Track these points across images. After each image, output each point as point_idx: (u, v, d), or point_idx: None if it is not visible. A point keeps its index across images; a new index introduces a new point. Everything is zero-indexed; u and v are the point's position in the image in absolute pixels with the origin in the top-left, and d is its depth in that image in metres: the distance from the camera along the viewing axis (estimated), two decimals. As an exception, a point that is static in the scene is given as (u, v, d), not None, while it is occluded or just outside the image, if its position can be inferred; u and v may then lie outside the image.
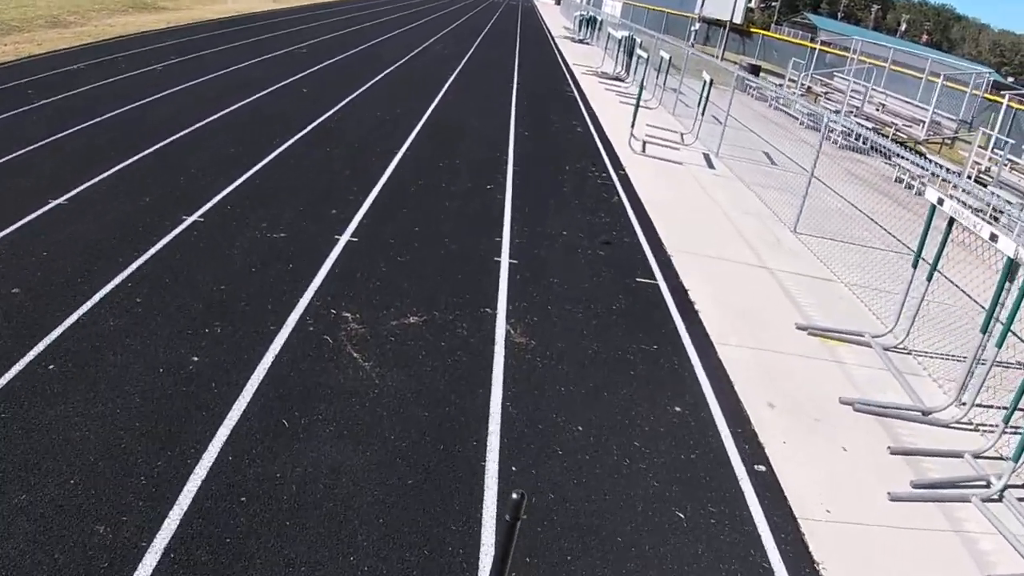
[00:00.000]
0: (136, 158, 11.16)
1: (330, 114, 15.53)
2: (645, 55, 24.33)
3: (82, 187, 9.67)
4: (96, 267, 7.40)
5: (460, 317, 7.40)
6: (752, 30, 62.20)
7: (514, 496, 2.47)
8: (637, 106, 16.30)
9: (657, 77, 24.10)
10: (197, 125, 13.51)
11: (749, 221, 12.36)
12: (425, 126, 15.47)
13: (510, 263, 9.08)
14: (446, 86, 20.76)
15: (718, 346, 7.72)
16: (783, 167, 17.20)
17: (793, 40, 57.24)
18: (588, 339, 7.39)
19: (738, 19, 55.58)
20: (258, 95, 16.59)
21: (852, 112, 27.10)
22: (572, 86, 24.63)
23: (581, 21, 47.85)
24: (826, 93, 32.48)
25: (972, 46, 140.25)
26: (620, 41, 28.91)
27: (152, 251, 7.97)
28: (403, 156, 13.03)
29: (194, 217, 9.12)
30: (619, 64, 29.37)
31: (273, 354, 6.21)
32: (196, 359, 5.99)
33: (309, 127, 14.16)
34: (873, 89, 28.96)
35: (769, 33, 62.70)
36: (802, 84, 36.19)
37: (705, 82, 17.93)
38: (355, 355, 6.37)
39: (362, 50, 26.49)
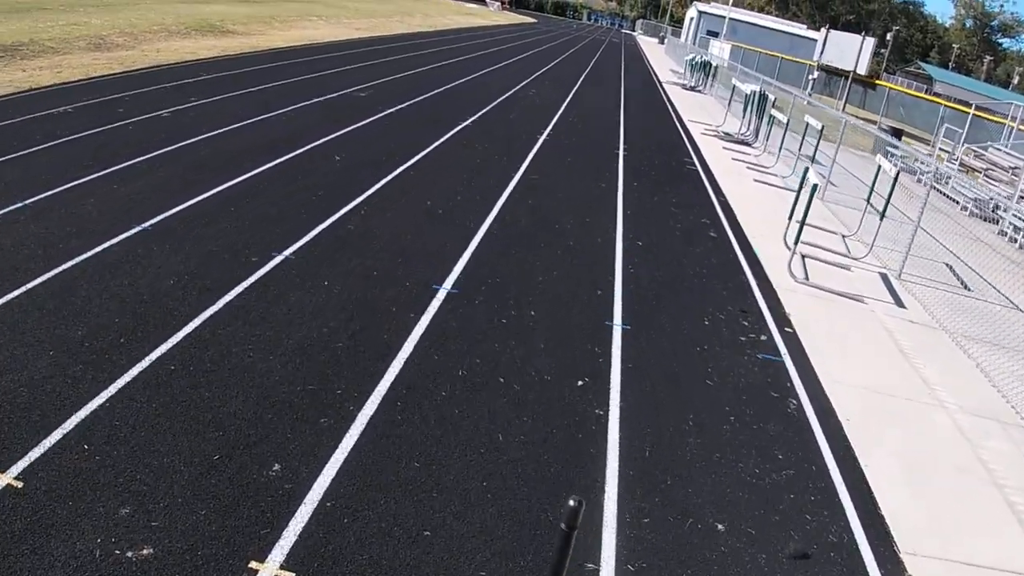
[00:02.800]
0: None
1: (355, 204, 10.72)
2: (783, 118, 18.95)
3: None
4: None
5: None
6: (877, 82, 55.92)
7: (571, 503, 2.28)
8: (804, 217, 10.89)
9: (800, 149, 18.63)
10: (143, 226, 8.77)
11: (996, 445, 7.01)
12: (492, 231, 10.54)
13: None
14: (532, 154, 15.76)
15: None
16: (979, 292, 12.22)
17: (926, 96, 50.72)
18: None
19: (862, 69, 49.31)
20: (266, 166, 12.06)
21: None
22: (692, 154, 19.35)
23: (692, 66, 42.45)
24: (986, 170, 26.30)
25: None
26: (748, 97, 23.46)
27: None
28: (444, 305, 7.96)
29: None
30: (746, 123, 23.91)
31: None
32: None
33: (312, 233, 9.38)
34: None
35: (897, 87, 56.19)
36: (953, 155, 30.40)
37: (883, 169, 12.59)
38: None
39: (436, 95, 21.72)
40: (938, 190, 24.74)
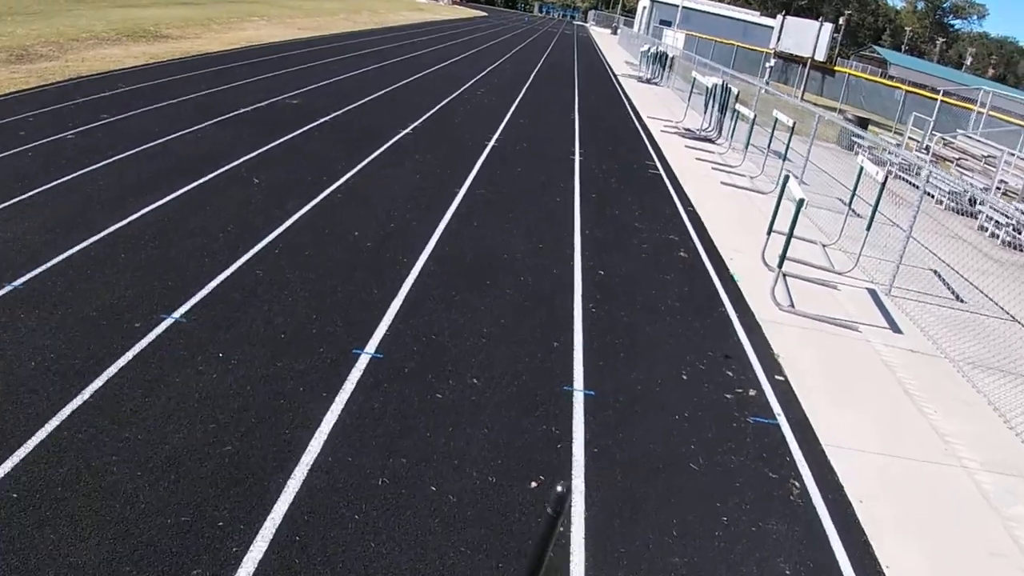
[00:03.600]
0: None
1: (269, 241, 9.17)
2: (749, 113, 17.67)
3: None
4: None
5: None
6: (836, 69, 55.14)
7: (558, 490, 2.28)
8: (789, 239, 9.52)
9: (769, 147, 17.35)
10: (13, 286, 7.16)
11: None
12: (429, 268, 9.10)
13: None
14: (478, 164, 14.30)
15: None
16: (973, 303, 11.19)
17: (887, 82, 50.01)
18: None
19: (820, 56, 48.40)
20: (170, 196, 10.52)
21: (1000, 188, 20.24)
22: (653, 155, 17.99)
23: (648, 58, 41.15)
24: (958, 159, 25.30)
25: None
26: (709, 90, 22.15)
27: None
28: (364, 377, 6.52)
29: None
30: (708, 119, 22.59)
31: None
32: None
33: (211, 285, 7.92)
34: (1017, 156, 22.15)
35: (857, 73, 55.47)
36: (923, 145, 29.53)
37: (866, 172, 11.38)
38: None
39: (376, 99, 20.11)
40: (909, 182, 23.73)
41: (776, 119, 17.25)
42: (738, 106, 19.72)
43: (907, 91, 44.90)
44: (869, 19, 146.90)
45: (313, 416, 5.74)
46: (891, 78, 75.78)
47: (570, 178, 14.20)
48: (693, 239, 11.64)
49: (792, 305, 9.65)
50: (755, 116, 18.33)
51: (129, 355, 6.28)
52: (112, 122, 14.11)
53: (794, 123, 15.85)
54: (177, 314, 7.01)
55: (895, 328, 9.60)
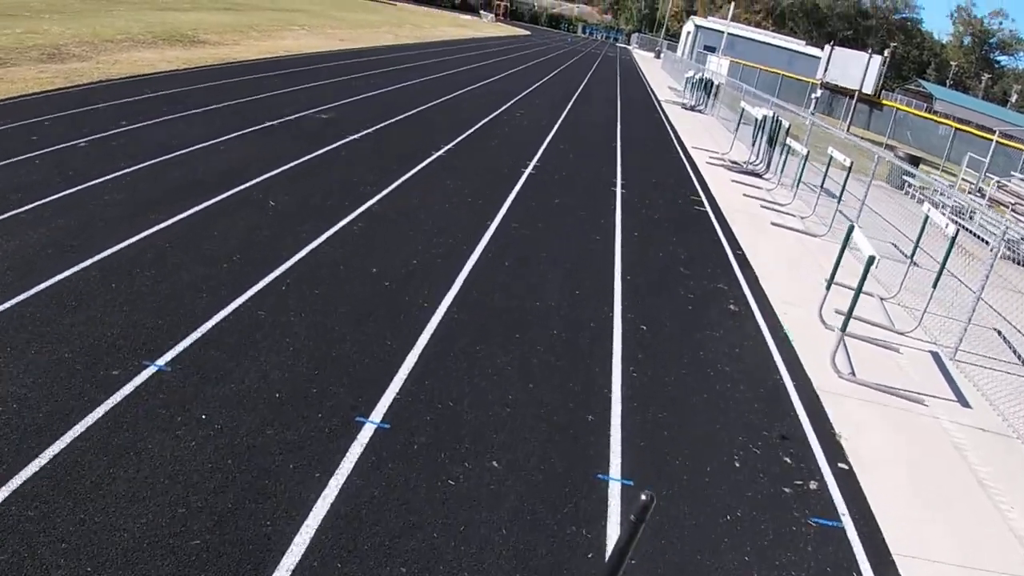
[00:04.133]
0: None
1: (276, 276, 8.35)
2: (802, 149, 16.63)
3: None
4: None
5: None
6: (885, 103, 53.79)
7: (643, 497, 2.23)
8: (854, 304, 8.49)
9: (822, 186, 16.31)
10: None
11: None
12: (451, 315, 8.30)
13: None
14: (513, 194, 13.45)
15: None
16: None
17: (938, 119, 48.57)
18: None
19: (868, 88, 47.07)
20: (177, 217, 9.76)
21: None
22: (699, 189, 16.98)
23: (692, 84, 40.14)
24: (1015, 204, 23.98)
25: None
26: (758, 122, 21.10)
27: None
28: (366, 454, 5.62)
29: None
30: (756, 152, 21.53)
31: None
32: None
33: (206, 326, 7.14)
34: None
35: (905, 108, 54.04)
36: (977, 187, 28.29)
37: (932, 221, 10.36)
38: None
39: (411, 117, 19.32)
40: (963, 227, 22.56)
41: (831, 156, 16.18)
42: (789, 141, 18.65)
43: (957, 128, 43.50)
44: (914, 52, 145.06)
45: (301, 503, 4.81)
46: (936, 112, 74.19)
47: (611, 213, 13.24)
48: (743, 288, 10.62)
49: (853, 373, 8.61)
50: (808, 152, 17.26)
51: (100, 411, 5.41)
52: (131, 130, 13.41)
53: (851, 163, 14.76)
54: (162, 361, 6.13)
55: (963, 401, 8.56)
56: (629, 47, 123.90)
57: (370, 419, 5.85)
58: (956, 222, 18.57)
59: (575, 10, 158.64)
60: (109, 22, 30.31)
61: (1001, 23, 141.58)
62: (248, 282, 7.93)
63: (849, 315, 8.46)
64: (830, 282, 9.85)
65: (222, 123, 14.97)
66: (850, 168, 14.86)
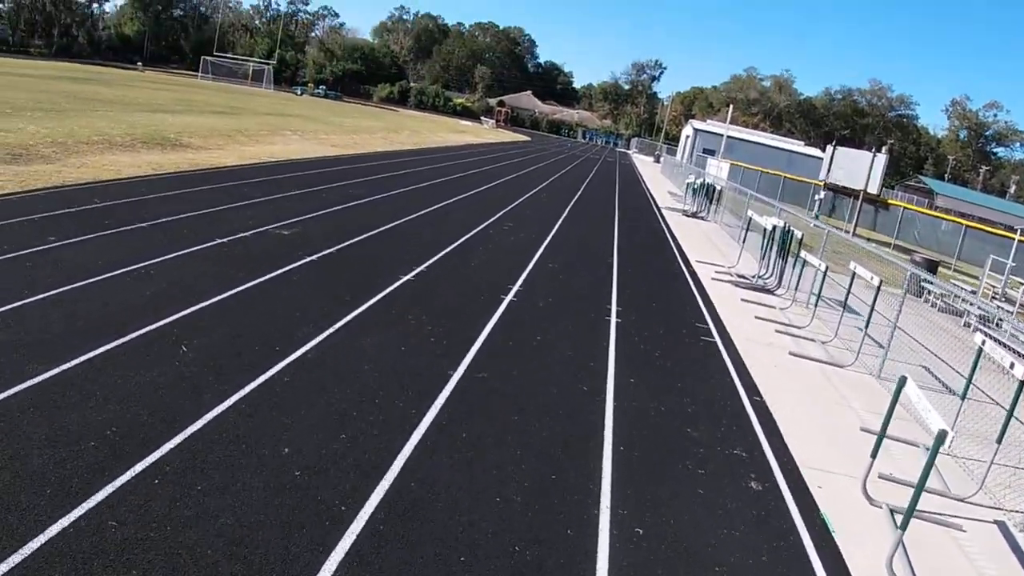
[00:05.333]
0: None
1: (154, 461, 6.38)
2: (820, 264, 14.67)
3: None
4: None
5: None
6: (891, 202, 52.46)
7: None
8: (914, 503, 6.34)
9: (844, 306, 14.31)
10: None
11: None
12: (375, 525, 6.09)
13: None
14: (488, 328, 11.51)
15: None
16: None
17: (943, 216, 47.03)
18: None
19: (874, 188, 45.68)
20: (56, 370, 7.67)
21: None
22: (705, 312, 14.94)
23: (693, 190, 38.63)
24: (1045, 310, 21.90)
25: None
26: (768, 232, 19.19)
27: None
28: None
29: None
30: (766, 265, 19.55)
31: None
32: None
33: (36, 542, 4.85)
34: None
35: (912, 207, 52.64)
36: (1001, 292, 26.31)
37: (986, 354, 8.35)
38: None
39: (385, 232, 17.48)
40: (992, 336, 20.45)
41: (854, 273, 14.18)
42: (804, 254, 16.70)
43: (968, 226, 41.91)
44: (911, 148, 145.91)
45: None
46: (938, 208, 73.02)
47: (603, 352, 11.12)
48: (765, 454, 8.41)
49: None
50: (826, 268, 15.28)
51: None
52: (51, 249, 11.50)
53: (880, 281, 12.75)
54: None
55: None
56: (629, 151, 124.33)
57: None
58: (982, 330, 16.51)
59: (575, 116, 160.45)
60: (90, 122, 29.01)
61: (996, 115, 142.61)
62: (109, 473, 5.77)
63: (910, 513, 6.26)
64: (876, 448, 7.67)
65: (165, 240, 13.07)
66: (879, 288, 12.83)
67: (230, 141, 32.95)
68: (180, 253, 12.53)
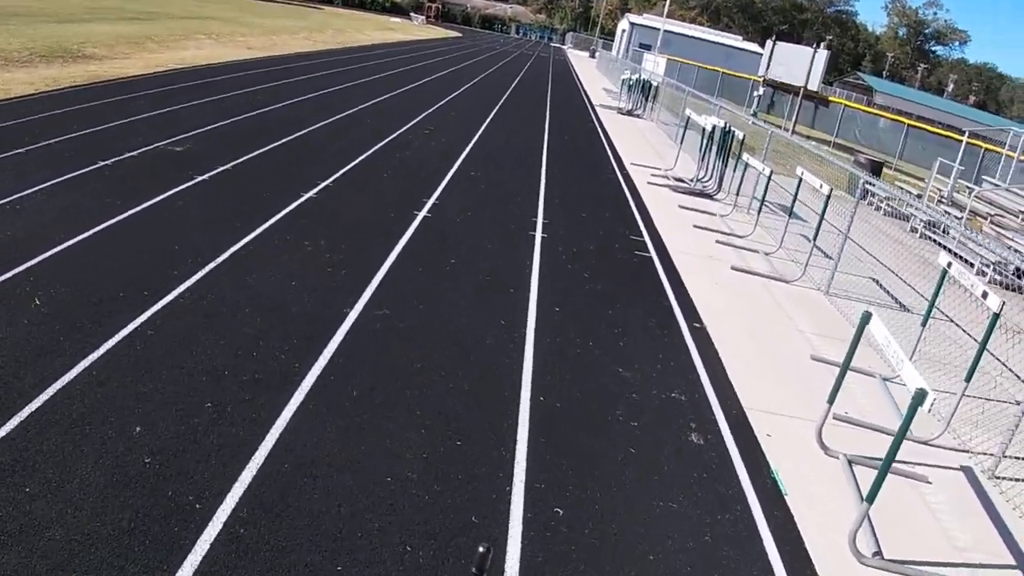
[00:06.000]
0: None
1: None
2: (764, 168, 13.56)
3: None
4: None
5: None
6: (832, 99, 51.56)
7: (480, 550, 2.31)
8: (887, 466, 5.33)
9: (790, 214, 13.27)
10: None
11: None
12: (252, 495, 4.77)
13: None
14: (397, 250, 10.17)
15: None
16: None
17: (889, 115, 46.33)
18: None
19: (815, 85, 44.61)
20: None
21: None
22: (640, 222, 13.80)
23: (629, 86, 37.05)
24: (992, 216, 21.29)
25: (1022, 108, 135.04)
26: (706, 132, 17.94)
27: None
28: None
29: None
30: (705, 167, 18.37)
31: None
32: None
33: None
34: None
35: (852, 104, 51.79)
36: (948, 196, 25.68)
37: (944, 275, 7.36)
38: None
39: (293, 140, 15.81)
40: (936, 242, 19.82)
41: (800, 178, 13.07)
42: (747, 158, 15.53)
43: (910, 125, 41.28)
44: (849, 44, 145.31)
45: None
46: (876, 106, 72.68)
47: (525, 275, 9.88)
48: (707, 396, 7.35)
49: (880, 552, 5.35)
50: (771, 172, 14.15)
51: None
52: None
53: (831, 190, 11.66)
54: None
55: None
56: (564, 47, 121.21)
57: None
58: (929, 236, 15.64)
59: (508, 10, 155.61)
60: (-12, 38, 26.19)
61: (936, 13, 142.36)
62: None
63: (876, 489, 5.21)
64: (833, 394, 6.62)
65: (42, 165, 11.34)
66: (829, 195, 11.75)
67: (138, 49, 30.29)
68: (55, 181, 10.83)
